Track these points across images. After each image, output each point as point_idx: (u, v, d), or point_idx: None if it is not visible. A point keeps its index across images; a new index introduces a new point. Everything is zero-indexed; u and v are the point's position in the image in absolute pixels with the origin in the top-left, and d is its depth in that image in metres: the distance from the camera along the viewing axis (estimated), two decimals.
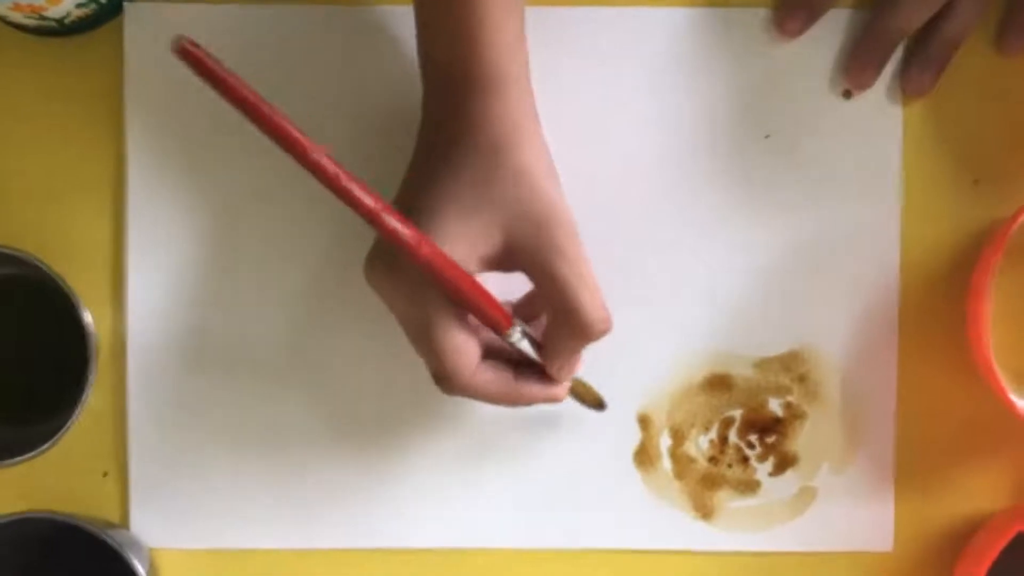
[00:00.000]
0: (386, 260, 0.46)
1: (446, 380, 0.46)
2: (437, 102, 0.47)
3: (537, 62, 0.52)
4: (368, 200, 0.41)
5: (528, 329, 0.47)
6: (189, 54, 0.38)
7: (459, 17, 0.44)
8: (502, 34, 0.45)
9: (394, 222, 0.42)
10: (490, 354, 0.47)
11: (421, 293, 0.45)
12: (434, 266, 0.43)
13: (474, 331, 0.46)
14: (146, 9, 0.52)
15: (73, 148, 0.53)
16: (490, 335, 0.47)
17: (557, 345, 0.47)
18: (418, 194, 0.45)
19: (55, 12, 0.49)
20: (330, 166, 0.41)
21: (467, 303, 0.45)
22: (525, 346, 0.47)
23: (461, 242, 0.44)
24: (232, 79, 0.39)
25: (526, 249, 0.45)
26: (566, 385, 0.49)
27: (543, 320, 0.48)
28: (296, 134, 0.40)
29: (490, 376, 0.47)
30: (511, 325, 0.46)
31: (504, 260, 0.45)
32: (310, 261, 0.53)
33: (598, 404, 0.51)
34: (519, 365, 0.48)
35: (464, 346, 0.45)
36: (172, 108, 0.52)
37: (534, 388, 0.48)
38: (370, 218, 0.42)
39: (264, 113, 0.40)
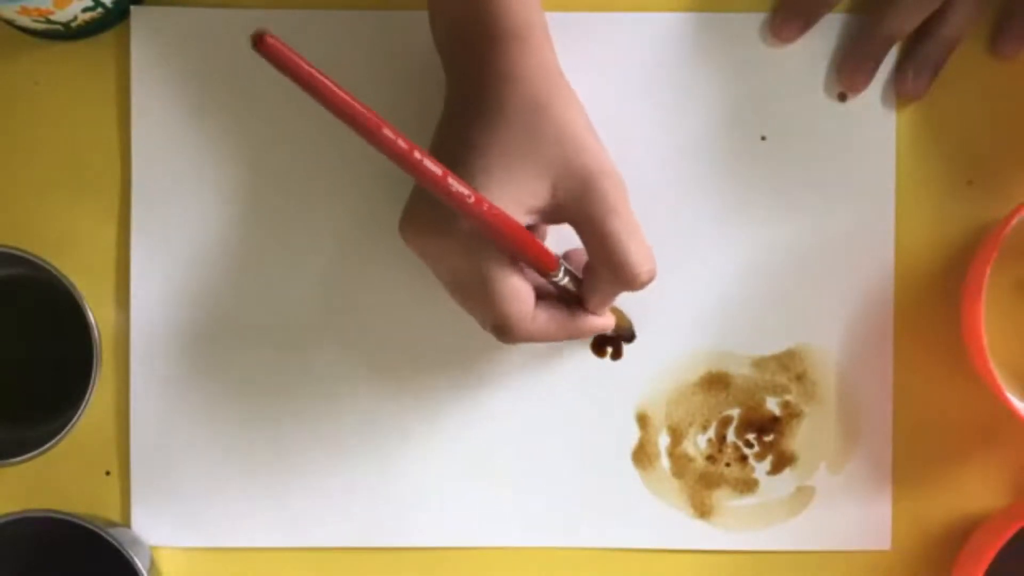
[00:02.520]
0: (430, 221, 0.46)
1: (507, 328, 0.46)
2: (465, 62, 0.47)
3: None
4: (434, 168, 0.41)
5: (570, 267, 0.48)
6: (270, 47, 0.37)
7: None
8: None
9: (458, 185, 0.42)
10: (537, 296, 0.48)
11: (475, 247, 0.45)
12: (494, 221, 0.43)
13: (527, 277, 0.46)
14: (152, 13, 0.53)
15: (79, 150, 0.53)
16: (535, 278, 0.47)
17: (600, 289, 0.47)
18: (457, 153, 0.46)
19: (62, 16, 0.50)
20: (403, 143, 0.41)
21: (520, 251, 0.45)
22: (569, 283, 0.48)
23: (507, 198, 0.44)
24: (312, 71, 0.39)
25: (574, 204, 0.45)
26: (610, 316, 0.50)
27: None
28: (369, 114, 0.40)
29: (547, 316, 0.47)
30: (558, 266, 0.47)
31: (550, 214, 0.46)
32: (313, 264, 0.53)
33: (631, 334, 0.53)
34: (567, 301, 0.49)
35: (522, 292, 0.46)
36: (177, 111, 0.53)
37: (587, 320, 0.49)
38: (435, 183, 0.42)
39: (342, 99, 0.39)
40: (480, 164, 0.45)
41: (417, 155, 0.41)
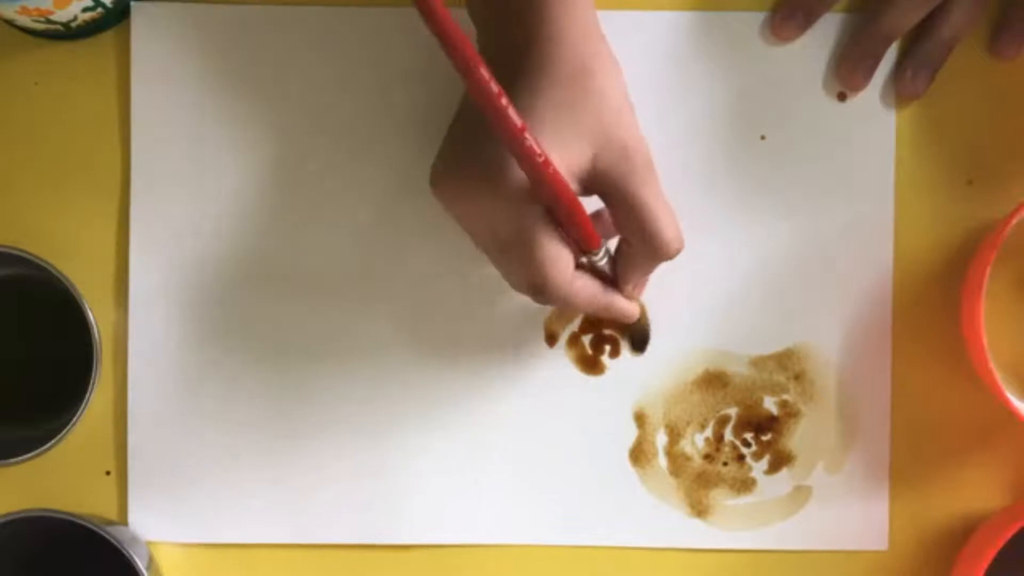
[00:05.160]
0: (474, 179, 0.46)
1: (545, 289, 0.46)
2: (506, 24, 0.47)
3: None
4: (515, 118, 0.42)
5: (611, 250, 0.48)
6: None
7: None
8: None
9: (533, 141, 0.42)
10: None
11: (524, 209, 0.45)
12: (555, 185, 0.44)
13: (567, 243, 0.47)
14: (153, 9, 0.53)
15: (79, 150, 0.53)
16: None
17: (635, 264, 0.48)
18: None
19: (62, 16, 0.50)
20: (495, 86, 0.41)
21: (570, 220, 0.45)
22: (605, 265, 0.48)
23: (556, 161, 0.44)
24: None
25: (611, 173, 0.45)
26: (637, 305, 0.51)
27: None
28: (470, 52, 0.41)
29: (582, 284, 0.48)
30: (600, 244, 0.47)
31: (588, 182, 0.46)
32: (312, 262, 0.53)
33: (644, 337, 0.53)
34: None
35: (564, 256, 0.46)
36: (177, 110, 0.53)
37: (616, 299, 0.49)
38: (512, 134, 0.42)
39: (451, 29, 0.40)
40: (528, 126, 0.44)
41: (504, 101, 0.41)
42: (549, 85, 0.45)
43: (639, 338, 0.53)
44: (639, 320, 0.52)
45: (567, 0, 0.46)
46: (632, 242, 0.47)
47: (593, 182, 0.46)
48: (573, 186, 0.45)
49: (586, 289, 0.48)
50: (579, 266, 0.48)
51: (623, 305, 0.50)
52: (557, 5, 0.46)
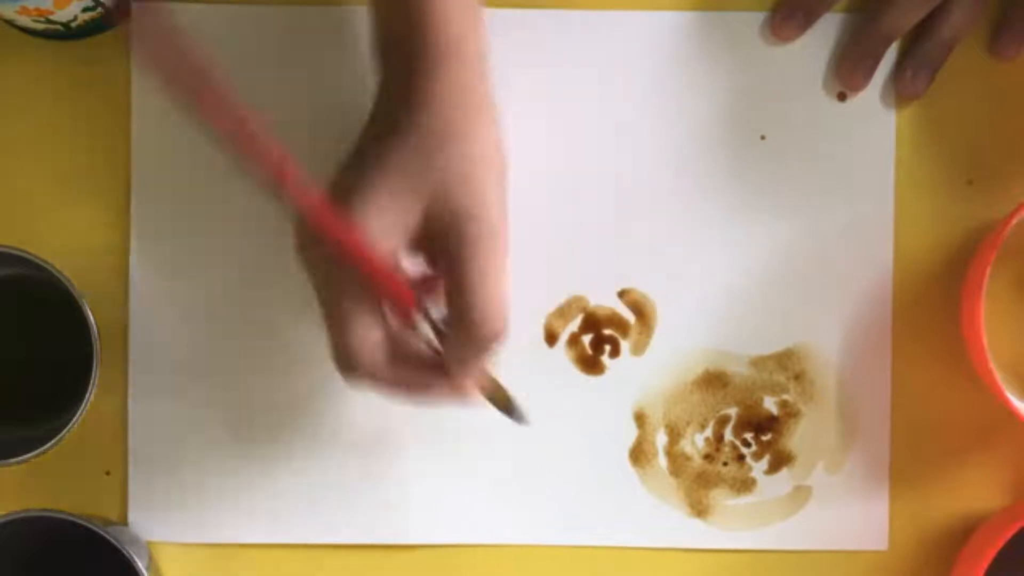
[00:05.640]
0: (306, 235, 0.44)
1: (346, 361, 0.44)
2: (392, 74, 0.46)
3: (532, 66, 0.53)
4: (273, 150, 0.40)
5: (435, 317, 0.45)
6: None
7: None
8: (454, 5, 0.44)
9: (307, 194, 0.41)
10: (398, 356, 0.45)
11: (335, 273, 0.44)
12: (342, 241, 0.42)
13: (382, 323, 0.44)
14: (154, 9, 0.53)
15: (79, 150, 0.53)
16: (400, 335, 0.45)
17: (450, 343, 0.45)
18: (358, 164, 0.44)
19: (62, 16, 0.50)
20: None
21: (373, 281, 0.43)
22: (427, 332, 0.45)
23: (387, 215, 0.43)
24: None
25: (441, 238, 0.43)
26: (465, 390, 0.46)
27: None
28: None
29: (394, 363, 0.44)
30: (415, 307, 0.44)
31: (419, 242, 0.44)
32: None
33: (511, 408, 0.48)
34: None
35: (370, 326, 0.44)
36: (177, 110, 0.53)
37: (437, 380, 0.45)
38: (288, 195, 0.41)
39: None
40: (370, 179, 0.43)
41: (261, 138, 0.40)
42: (406, 142, 0.43)
43: (503, 410, 0.49)
44: (494, 396, 0.48)
45: (450, 58, 0.44)
46: (450, 315, 0.44)
47: (421, 243, 0.44)
48: (407, 243, 0.43)
49: (399, 369, 0.44)
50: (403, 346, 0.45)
51: (445, 386, 0.45)
52: (438, 62, 0.44)
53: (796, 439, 0.54)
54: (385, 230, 0.43)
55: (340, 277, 0.44)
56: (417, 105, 0.44)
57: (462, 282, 0.43)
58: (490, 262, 0.43)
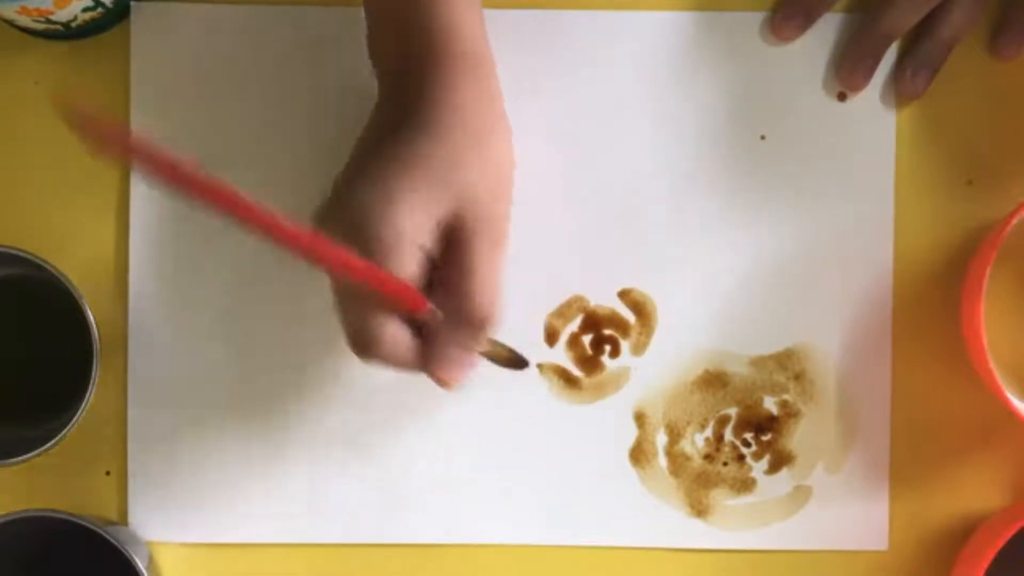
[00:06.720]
0: (337, 232, 0.44)
1: (363, 346, 0.45)
2: (409, 80, 0.46)
3: (532, 66, 0.53)
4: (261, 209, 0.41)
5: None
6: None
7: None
8: (471, 11, 0.45)
9: (294, 230, 0.41)
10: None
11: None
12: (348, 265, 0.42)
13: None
14: (153, 9, 0.53)
15: (79, 150, 0.53)
16: None
17: (448, 321, 0.46)
18: (381, 165, 0.45)
19: (62, 16, 0.50)
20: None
21: (385, 297, 0.44)
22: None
23: (419, 215, 0.44)
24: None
25: (454, 229, 0.44)
26: (457, 371, 0.47)
27: None
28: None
29: (401, 336, 0.45)
30: (426, 305, 0.45)
31: (440, 239, 0.45)
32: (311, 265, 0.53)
33: (510, 361, 0.50)
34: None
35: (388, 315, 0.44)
36: (177, 109, 0.53)
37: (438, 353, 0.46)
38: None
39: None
40: (403, 181, 0.44)
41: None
42: (436, 141, 0.44)
43: (505, 364, 0.51)
44: (497, 354, 0.50)
45: (472, 64, 0.46)
46: (448, 300, 0.45)
47: (441, 237, 0.45)
48: (423, 238, 0.44)
49: (402, 344, 0.45)
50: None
51: (443, 361, 0.46)
52: (462, 68, 0.45)
53: (796, 439, 0.54)
54: (417, 228, 0.44)
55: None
56: (445, 107, 0.45)
57: (470, 265, 0.45)
58: (497, 258, 0.45)
